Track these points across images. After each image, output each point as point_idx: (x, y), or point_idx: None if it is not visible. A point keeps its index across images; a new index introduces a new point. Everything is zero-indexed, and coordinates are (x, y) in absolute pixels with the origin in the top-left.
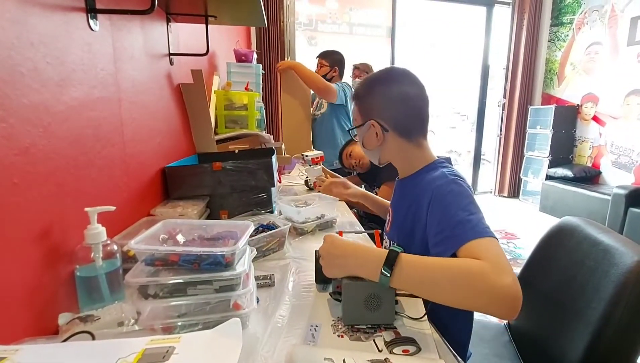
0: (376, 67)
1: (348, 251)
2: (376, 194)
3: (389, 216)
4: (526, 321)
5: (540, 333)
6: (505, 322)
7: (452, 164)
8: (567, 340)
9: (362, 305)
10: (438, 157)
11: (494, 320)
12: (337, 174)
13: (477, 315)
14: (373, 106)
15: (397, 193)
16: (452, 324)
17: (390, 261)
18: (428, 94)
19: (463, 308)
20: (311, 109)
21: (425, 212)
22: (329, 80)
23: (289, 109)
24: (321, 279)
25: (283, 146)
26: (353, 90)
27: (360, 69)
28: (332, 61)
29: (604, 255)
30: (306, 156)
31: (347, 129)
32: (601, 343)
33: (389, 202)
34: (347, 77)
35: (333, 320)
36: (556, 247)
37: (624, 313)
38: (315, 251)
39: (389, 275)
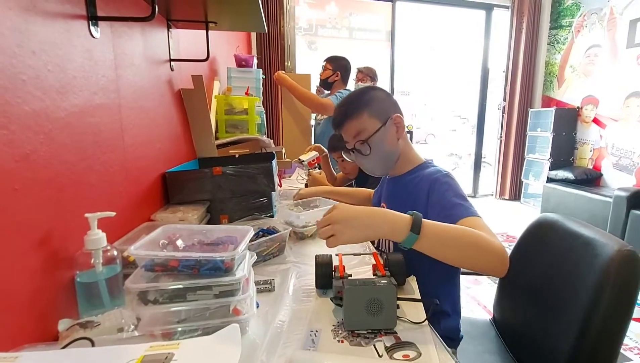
0: (378, 71)
1: (371, 210)
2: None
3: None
4: (512, 315)
5: (527, 325)
6: (489, 317)
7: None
8: (557, 328)
9: (363, 310)
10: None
11: (480, 317)
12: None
13: (464, 313)
14: (386, 105)
15: (389, 190)
16: (450, 313)
17: (417, 223)
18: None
19: (469, 267)
20: (315, 113)
21: (424, 201)
22: (331, 84)
23: (289, 114)
24: (322, 284)
25: (283, 151)
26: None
27: (364, 72)
28: (336, 65)
29: (585, 247)
30: (302, 160)
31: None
32: (591, 327)
33: (358, 191)
34: (351, 80)
35: (333, 326)
36: (537, 243)
37: (610, 299)
38: (316, 255)
39: (417, 234)
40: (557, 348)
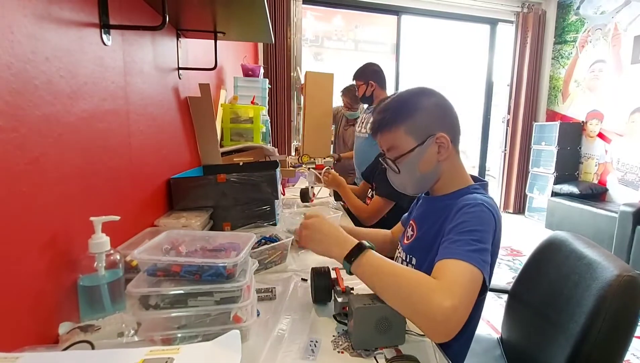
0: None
1: (334, 232)
2: (371, 194)
3: (412, 229)
4: (518, 334)
5: (530, 347)
6: (497, 336)
7: (486, 190)
8: (551, 353)
9: (373, 329)
10: (475, 181)
11: (486, 333)
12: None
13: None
14: (432, 119)
15: (423, 209)
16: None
17: (355, 252)
18: None
19: (404, 315)
20: (356, 126)
21: (446, 227)
22: (370, 96)
23: (311, 111)
24: (321, 298)
25: (288, 159)
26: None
27: (348, 95)
28: (365, 77)
29: (586, 269)
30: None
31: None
32: (581, 356)
33: (358, 203)
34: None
35: (333, 336)
36: (546, 261)
37: (602, 326)
38: (312, 268)
39: (349, 263)
40: None
